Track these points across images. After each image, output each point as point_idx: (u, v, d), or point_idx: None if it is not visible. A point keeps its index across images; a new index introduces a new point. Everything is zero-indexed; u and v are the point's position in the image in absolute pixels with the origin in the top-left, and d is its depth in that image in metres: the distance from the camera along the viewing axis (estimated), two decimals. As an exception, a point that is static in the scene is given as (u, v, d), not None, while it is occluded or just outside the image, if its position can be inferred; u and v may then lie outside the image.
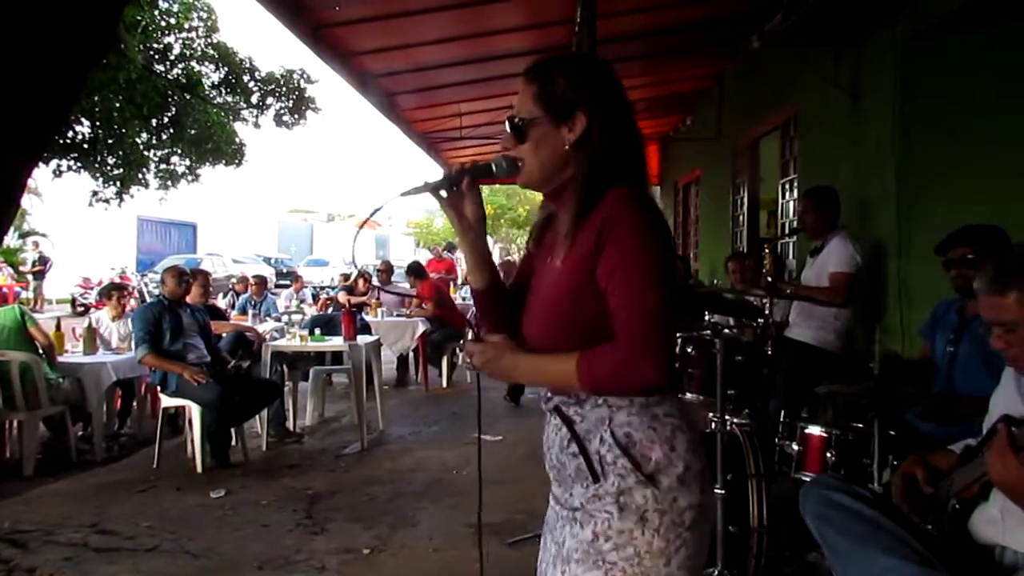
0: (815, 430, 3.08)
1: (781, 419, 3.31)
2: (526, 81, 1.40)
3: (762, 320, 3.92)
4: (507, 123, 1.40)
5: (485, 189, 1.52)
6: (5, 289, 16.15)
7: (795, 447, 3.11)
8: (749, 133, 6.77)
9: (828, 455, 2.98)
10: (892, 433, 2.82)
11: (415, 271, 8.52)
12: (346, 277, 12.03)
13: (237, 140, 14.71)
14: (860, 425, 3.02)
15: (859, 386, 2.90)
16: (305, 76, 14.12)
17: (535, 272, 1.47)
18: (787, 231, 4.31)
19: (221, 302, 8.23)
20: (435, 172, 11.19)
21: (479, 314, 1.51)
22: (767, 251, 4.17)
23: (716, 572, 2.75)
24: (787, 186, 6.10)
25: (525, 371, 1.38)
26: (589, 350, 1.28)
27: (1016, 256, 1.78)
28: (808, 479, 2.80)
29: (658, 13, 5.37)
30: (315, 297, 11.33)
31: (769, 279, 3.92)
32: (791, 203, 5.91)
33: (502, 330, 1.47)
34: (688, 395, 3.72)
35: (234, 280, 10.02)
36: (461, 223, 1.42)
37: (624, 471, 1.28)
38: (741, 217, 7.21)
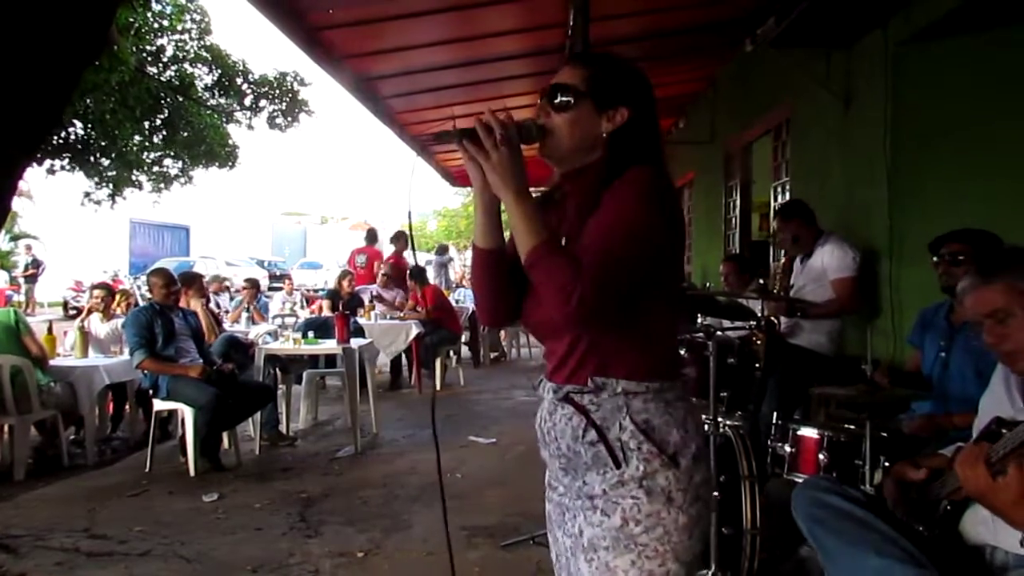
0: (808, 432, 3.09)
1: (774, 421, 3.32)
2: (576, 64, 1.45)
3: (754, 323, 3.93)
4: (549, 91, 1.41)
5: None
6: (-2, 293, 16.07)
7: (788, 449, 3.13)
8: (742, 136, 6.79)
9: (820, 457, 3.00)
10: (884, 435, 2.83)
11: (417, 276, 8.51)
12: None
13: (230, 142, 14.69)
14: (852, 427, 3.04)
15: (851, 388, 2.91)
16: (298, 79, 14.12)
17: None
18: (784, 253, 4.38)
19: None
20: (433, 173, 11.21)
21: (476, 277, 1.49)
22: (776, 265, 4.20)
23: (710, 574, 2.75)
24: (779, 189, 6.13)
25: (514, 200, 1.32)
26: (558, 245, 1.32)
27: (1002, 249, 1.79)
28: (800, 480, 2.81)
29: (651, 17, 5.38)
30: (307, 300, 11.29)
31: (777, 290, 3.93)
32: (784, 206, 5.94)
33: (499, 298, 1.48)
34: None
35: (221, 282, 9.92)
36: (483, 178, 1.38)
37: (649, 455, 1.33)
38: (734, 220, 7.24)
